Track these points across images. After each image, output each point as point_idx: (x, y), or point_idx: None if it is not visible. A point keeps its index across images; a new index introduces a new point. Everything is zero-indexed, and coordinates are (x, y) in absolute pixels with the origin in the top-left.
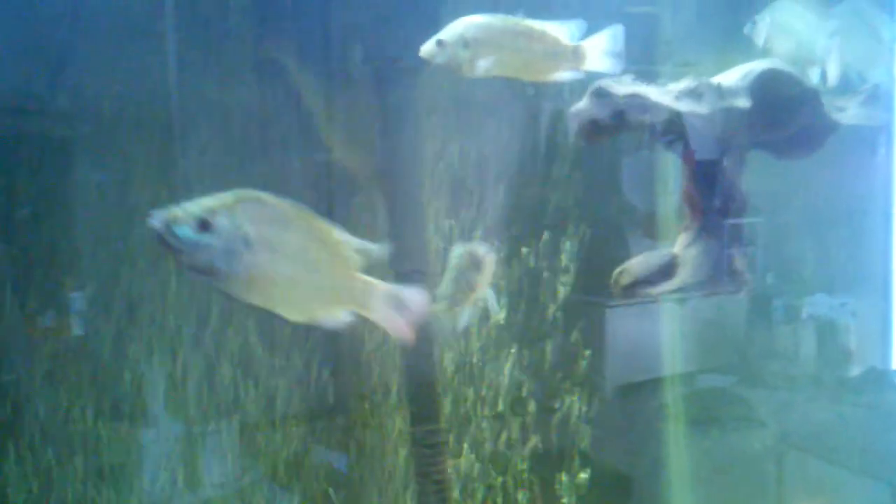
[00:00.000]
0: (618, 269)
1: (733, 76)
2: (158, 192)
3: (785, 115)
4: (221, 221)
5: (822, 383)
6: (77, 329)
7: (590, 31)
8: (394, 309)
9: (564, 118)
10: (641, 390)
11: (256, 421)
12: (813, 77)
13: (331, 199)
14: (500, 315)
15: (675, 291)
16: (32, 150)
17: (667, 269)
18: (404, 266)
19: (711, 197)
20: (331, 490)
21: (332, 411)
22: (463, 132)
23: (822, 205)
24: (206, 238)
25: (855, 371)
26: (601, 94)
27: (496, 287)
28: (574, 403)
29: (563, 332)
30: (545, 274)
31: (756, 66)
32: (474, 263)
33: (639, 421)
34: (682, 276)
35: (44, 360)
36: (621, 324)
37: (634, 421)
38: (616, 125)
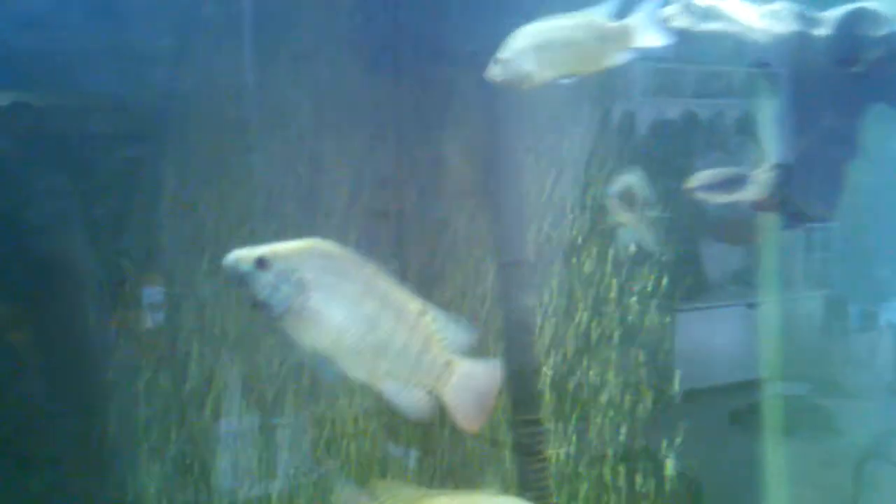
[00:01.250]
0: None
1: (829, 12)
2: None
3: (867, 52)
4: (278, 262)
5: None
6: (154, 322)
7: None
8: (470, 389)
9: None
10: (715, 396)
11: (335, 414)
12: None
13: (440, 197)
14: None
15: (733, 205)
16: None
17: (735, 183)
18: (508, 257)
19: (791, 123)
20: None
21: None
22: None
23: None
24: (259, 274)
25: None
26: (687, 4)
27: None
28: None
29: (640, 337)
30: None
31: (854, 5)
32: (626, 195)
33: (714, 427)
34: (747, 193)
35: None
36: (695, 328)
37: (710, 427)
38: (693, 30)
